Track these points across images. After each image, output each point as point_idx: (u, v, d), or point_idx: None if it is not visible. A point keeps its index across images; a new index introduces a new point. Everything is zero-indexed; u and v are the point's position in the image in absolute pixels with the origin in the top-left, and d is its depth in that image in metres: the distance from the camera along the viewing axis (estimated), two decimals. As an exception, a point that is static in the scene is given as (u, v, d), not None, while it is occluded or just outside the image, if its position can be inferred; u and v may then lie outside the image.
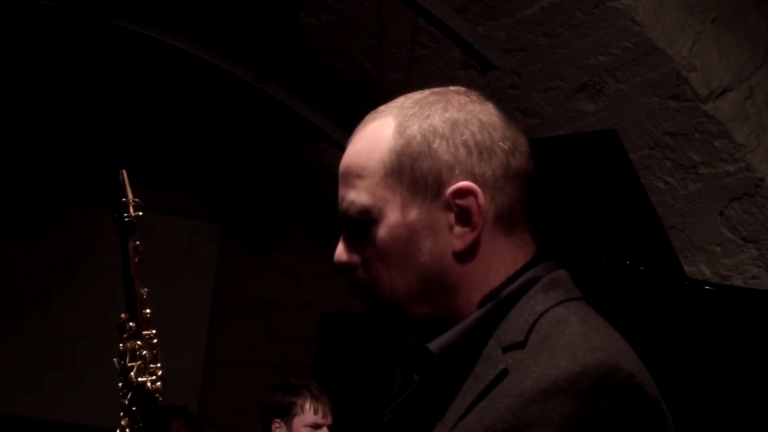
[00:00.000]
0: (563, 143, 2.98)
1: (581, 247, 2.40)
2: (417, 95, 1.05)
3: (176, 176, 5.92)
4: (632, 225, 2.48)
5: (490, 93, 3.38)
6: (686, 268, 2.99)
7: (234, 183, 5.95)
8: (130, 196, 1.27)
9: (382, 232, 1.00)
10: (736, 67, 2.88)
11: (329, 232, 5.55)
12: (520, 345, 0.92)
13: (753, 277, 2.92)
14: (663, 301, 2.31)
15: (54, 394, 5.42)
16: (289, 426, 3.02)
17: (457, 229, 0.98)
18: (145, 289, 1.26)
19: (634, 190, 2.48)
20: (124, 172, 1.28)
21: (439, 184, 0.98)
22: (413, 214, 0.99)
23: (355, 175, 1.02)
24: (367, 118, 1.06)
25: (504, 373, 0.90)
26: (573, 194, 2.46)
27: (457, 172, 0.98)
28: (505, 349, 0.92)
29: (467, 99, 1.03)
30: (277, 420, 3.04)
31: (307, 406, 3.02)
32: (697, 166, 2.96)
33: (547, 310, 0.95)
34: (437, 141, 0.99)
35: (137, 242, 1.27)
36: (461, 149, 0.99)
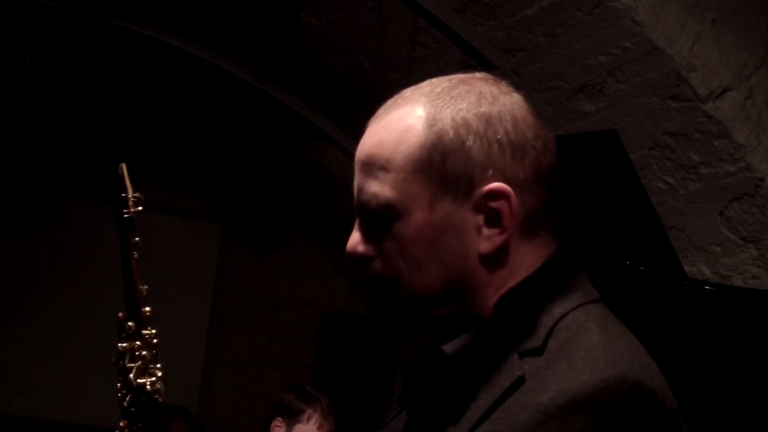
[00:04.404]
0: (563, 143, 2.98)
1: (581, 248, 2.39)
2: (445, 83, 0.99)
3: (176, 176, 5.92)
4: (632, 225, 2.48)
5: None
6: (686, 268, 2.99)
7: (234, 183, 5.95)
8: (130, 191, 1.21)
9: (406, 229, 0.95)
10: (736, 67, 2.88)
11: (330, 232, 5.55)
12: (538, 351, 0.89)
13: (753, 277, 2.92)
14: (663, 301, 2.31)
15: (51, 393, 5.41)
16: (289, 429, 3.03)
17: (486, 230, 0.94)
18: (145, 287, 1.21)
19: (634, 190, 2.48)
20: (124, 166, 1.22)
21: (471, 184, 0.94)
22: (441, 213, 0.94)
23: (379, 167, 0.96)
24: (390, 103, 1.00)
25: (521, 381, 0.87)
26: (573, 194, 2.46)
27: (490, 172, 0.94)
28: (522, 354, 0.90)
29: (498, 90, 0.99)
30: (280, 419, 3.05)
31: (315, 419, 3.03)
32: (697, 166, 2.96)
33: (565, 314, 0.92)
34: (471, 138, 0.94)
35: (137, 238, 1.21)
36: (495, 148, 0.94)
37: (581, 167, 2.50)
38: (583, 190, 2.48)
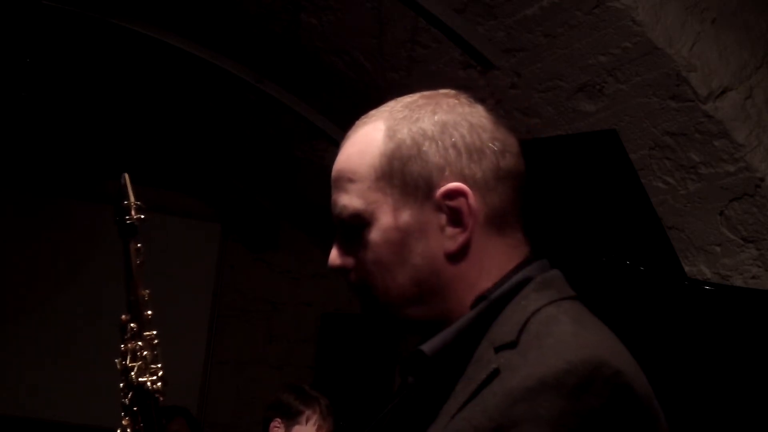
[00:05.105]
0: (563, 143, 2.98)
1: (581, 247, 2.40)
2: (407, 99, 1.06)
3: (176, 176, 5.92)
4: (632, 225, 2.49)
5: (490, 93, 3.38)
6: (686, 268, 2.99)
7: (234, 183, 5.95)
8: (132, 198, 1.27)
9: (374, 235, 1.01)
10: (736, 67, 2.88)
11: (329, 232, 5.54)
12: (512, 345, 0.92)
13: (753, 277, 2.92)
14: (663, 301, 2.32)
15: (51, 393, 5.42)
16: (288, 430, 3.03)
17: (449, 230, 0.99)
18: (147, 291, 1.27)
19: (634, 190, 2.48)
20: (126, 176, 1.29)
21: (430, 186, 0.99)
22: (405, 217, 1.00)
23: (346, 180, 1.04)
24: (357, 122, 1.07)
25: (495, 373, 0.90)
26: (573, 194, 2.47)
27: (446, 173, 0.99)
28: (498, 349, 0.93)
29: (456, 101, 1.04)
30: (279, 420, 3.05)
31: (313, 420, 3.04)
32: (697, 166, 2.96)
33: (538, 310, 0.95)
34: (427, 143, 1.00)
35: (139, 244, 1.27)
36: (451, 151, 1.00)
37: (581, 167, 2.50)
38: (583, 190, 2.48)
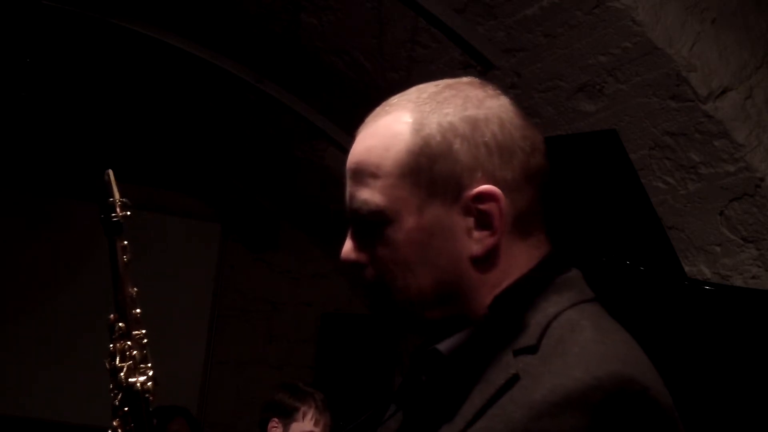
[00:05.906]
0: (563, 143, 2.98)
1: (581, 247, 2.39)
2: (431, 89, 0.99)
3: (176, 176, 5.92)
4: (632, 225, 2.48)
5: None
6: (686, 268, 2.99)
7: (234, 183, 5.95)
8: (117, 195, 1.24)
9: (397, 234, 0.96)
10: (736, 67, 2.88)
11: (330, 232, 5.55)
12: (532, 349, 0.89)
13: (753, 277, 2.92)
14: (663, 301, 2.31)
15: (51, 393, 5.41)
16: (286, 428, 3.02)
17: (476, 233, 0.95)
18: (135, 289, 1.24)
19: (634, 190, 2.48)
20: (110, 172, 1.26)
21: (459, 188, 0.94)
22: (430, 217, 0.95)
23: (368, 174, 0.97)
24: (378, 110, 1.01)
25: (515, 379, 0.88)
26: (573, 194, 2.46)
27: (479, 175, 0.94)
28: (516, 353, 0.90)
29: (484, 94, 0.99)
30: (276, 419, 3.04)
31: (310, 415, 3.02)
32: (697, 166, 2.96)
33: (559, 313, 0.92)
34: (458, 142, 0.94)
35: (125, 242, 1.24)
36: (482, 150, 0.95)
37: (581, 167, 2.50)
38: (583, 190, 2.47)
